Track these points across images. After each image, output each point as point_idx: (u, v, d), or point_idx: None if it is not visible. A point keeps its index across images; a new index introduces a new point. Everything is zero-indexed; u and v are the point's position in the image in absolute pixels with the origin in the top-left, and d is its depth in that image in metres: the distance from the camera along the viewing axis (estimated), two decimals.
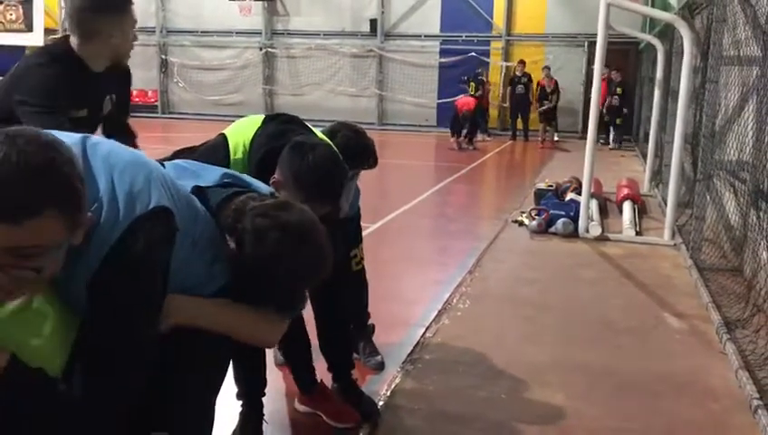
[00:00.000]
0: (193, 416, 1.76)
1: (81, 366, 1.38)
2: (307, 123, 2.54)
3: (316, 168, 2.16)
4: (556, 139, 15.17)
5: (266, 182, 2.08)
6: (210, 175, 1.86)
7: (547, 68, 15.67)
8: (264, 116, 2.51)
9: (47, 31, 20.25)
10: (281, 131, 2.35)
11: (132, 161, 1.48)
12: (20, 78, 2.43)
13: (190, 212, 1.62)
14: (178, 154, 2.36)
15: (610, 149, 14.05)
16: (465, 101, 14.20)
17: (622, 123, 14.71)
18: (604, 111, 13.50)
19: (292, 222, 1.69)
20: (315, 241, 1.72)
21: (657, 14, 6.66)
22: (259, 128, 2.40)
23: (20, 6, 20.38)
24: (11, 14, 20.48)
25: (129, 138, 2.77)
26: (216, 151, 2.35)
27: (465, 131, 13.99)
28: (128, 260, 1.38)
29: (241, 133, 2.41)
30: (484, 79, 16.06)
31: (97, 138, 1.53)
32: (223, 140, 2.41)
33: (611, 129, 14.67)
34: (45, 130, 1.26)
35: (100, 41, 2.47)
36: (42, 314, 1.37)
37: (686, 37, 5.89)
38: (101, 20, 2.44)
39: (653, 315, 4.27)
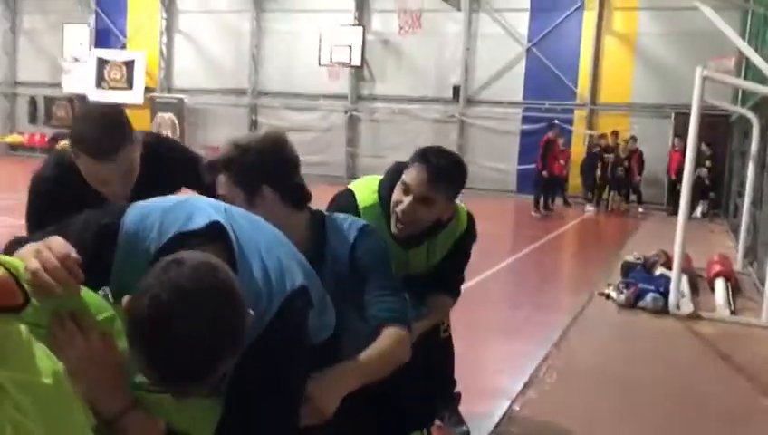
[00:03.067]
0: None
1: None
2: None
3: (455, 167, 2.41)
4: (641, 210, 14.88)
5: None
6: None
7: (633, 138, 15.45)
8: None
9: (147, 89, 21.56)
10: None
11: (271, 238, 1.55)
12: None
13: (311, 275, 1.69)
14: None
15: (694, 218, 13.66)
16: (561, 164, 14.20)
17: (714, 197, 14.32)
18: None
19: None
20: None
21: (756, 88, 6.51)
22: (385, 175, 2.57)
23: (123, 66, 21.81)
24: (116, 74, 21.90)
25: None
26: (343, 206, 2.47)
27: (546, 197, 13.97)
28: (286, 333, 1.43)
29: (368, 183, 2.58)
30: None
31: (232, 209, 1.56)
32: (349, 192, 2.55)
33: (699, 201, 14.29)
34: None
35: None
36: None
37: None
38: None
39: (755, 402, 4.04)
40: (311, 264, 2.09)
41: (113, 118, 2.17)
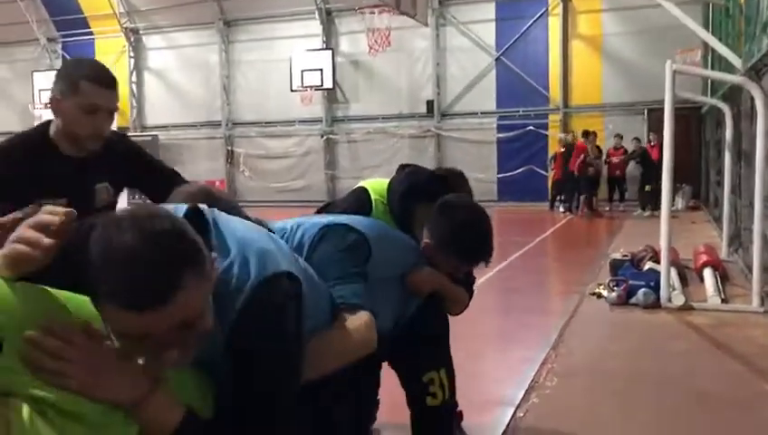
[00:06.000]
0: None
1: (241, 423, 1.38)
2: None
3: (463, 229, 2.30)
4: (621, 208, 15.12)
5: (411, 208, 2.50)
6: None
7: (619, 136, 15.66)
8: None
9: (119, 129, 21.43)
10: (417, 168, 2.70)
11: (253, 227, 1.55)
12: None
13: (307, 283, 1.65)
14: (320, 211, 2.59)
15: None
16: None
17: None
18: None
19: None
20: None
21: (725, 77, 6.61)
22: (394, 176, 2.69)
23: None
24: None
25: None
26: (359, 198, 2.59)
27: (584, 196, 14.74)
28: (267, 307, 1.39)
29: (379, 182, 2.67)
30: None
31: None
32: (362, 189, 2.64)
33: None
34: (155, 207, 1.32)
35: (58, 119, 2.29)
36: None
37: (757, 98, 5.81)
38: (55, 93, 2.26)
39: (754, 388, 4.06)
40: None
41: None
